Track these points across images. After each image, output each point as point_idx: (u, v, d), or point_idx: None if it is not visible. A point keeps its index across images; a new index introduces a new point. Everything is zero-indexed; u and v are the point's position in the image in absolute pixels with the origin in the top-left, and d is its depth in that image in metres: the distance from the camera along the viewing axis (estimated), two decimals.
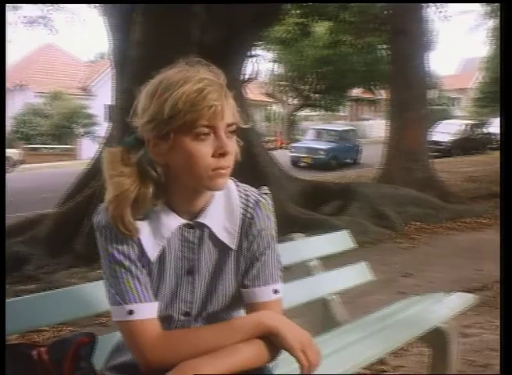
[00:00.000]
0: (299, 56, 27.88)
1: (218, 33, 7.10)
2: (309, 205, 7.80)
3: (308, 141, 22.36)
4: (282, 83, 33.22)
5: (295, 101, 34.73)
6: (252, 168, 7.72)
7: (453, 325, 2.69)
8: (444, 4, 15.92)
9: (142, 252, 1.38)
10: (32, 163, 23.15)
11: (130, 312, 1.34)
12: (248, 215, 1.43)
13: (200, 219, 1.40)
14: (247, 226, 1.43)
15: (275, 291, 1.45)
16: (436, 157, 16.00)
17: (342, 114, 42.52)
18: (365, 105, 40.88)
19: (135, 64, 6.79)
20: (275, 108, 40.39)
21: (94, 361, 1.48)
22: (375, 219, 7.73)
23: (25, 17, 11.68)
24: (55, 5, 11.33)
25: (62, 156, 25.82)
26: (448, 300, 2.95)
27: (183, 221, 1.39)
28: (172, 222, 1.39)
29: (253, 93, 35.63)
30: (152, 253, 1.38)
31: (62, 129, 26.94)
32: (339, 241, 3.10)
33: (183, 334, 1.38)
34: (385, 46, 17.57)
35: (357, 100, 38.66)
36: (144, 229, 1.37)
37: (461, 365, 3.08)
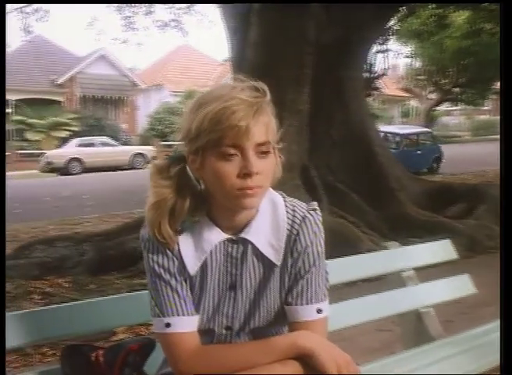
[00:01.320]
0: (437, 49, 26.82)
1: (336, 32, 6.99)
2: (432, 206, 7.44)
3: None
4: (420, 77, 32.18)
5: (434, 96, 33.51)
6: (371, 167, 7.54)
7: None
8: None
9: (183, 266, 1.39)
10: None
11: (167, 325, 1.36)
12: (294, 231, 1.40)
13: (244, 235, 1.39)
14: (292, 243, 1.40)
15: (319, 311, 1.41)
16: None
17: (485, 108, 40.41)
18: None
19: (251, 65, 6.87)
20: (413, 103, 39.29)
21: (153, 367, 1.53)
22: None
23: (158, 21, 12.27)
24: (184, 7, 11.81)
25: None
26: None
27: (226, 236, 1.39)
28: (214, 236, 1.39)
29: (389, 88, 34.91)
30: (192, 267, 1.39)
31: None
32: (439, 251, 2.91)
33: (219, 350, 1.38)
34: None
35: None
36: (186, 243, 1.39)
37: None
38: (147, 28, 12.69)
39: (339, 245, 5.42)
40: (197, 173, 1.35)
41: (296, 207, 1.43)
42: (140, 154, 23.90)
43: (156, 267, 1.38)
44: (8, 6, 10.45)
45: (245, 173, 1.28)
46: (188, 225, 1.39)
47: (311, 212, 1.43)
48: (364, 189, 7.18)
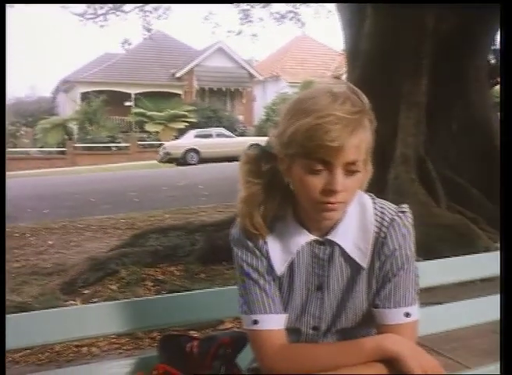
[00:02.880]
0: None
1: (456, 20, 6.65)
2: None
3: None
4: None
5: None
6: (494, 161, 7.09)
7: None
8: None
9: (271, 266, 1.42)
10: None
11: (255, 322, 1.40)
12: (382, 234, 1.40)
13: (331, 237, 1.40)
14: (379, 246, 1.40)
15: (407, 314, 1.39)
16: None
17: None
18: None
19: (366, 56, 6.73)
20: None
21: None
22: None
23: (275, 13, 12.28)
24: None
25: None
26: None
27: (313, 238, 1.41)
28: (301, 238, 1.41)
29: None
30: (279, 267, 1.42)
31: None
32: None
33: (305, 348, 1.41)
34: None
35: None
36: (273, 243, 1.42)
37: None
38: (263, 19, 12.77)
39: (456, 242, 5.20)
40: (285, 174, 1.36)
41: (385, 209, 1.42)
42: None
43: (245, 266, 1.42)
44: (129, 6, 10.85)
45: (329, 190, 1.28)
46: (276, 226, 1.41)
47: (400, 214, 1.40)
48: (486, 184, 6.78)
